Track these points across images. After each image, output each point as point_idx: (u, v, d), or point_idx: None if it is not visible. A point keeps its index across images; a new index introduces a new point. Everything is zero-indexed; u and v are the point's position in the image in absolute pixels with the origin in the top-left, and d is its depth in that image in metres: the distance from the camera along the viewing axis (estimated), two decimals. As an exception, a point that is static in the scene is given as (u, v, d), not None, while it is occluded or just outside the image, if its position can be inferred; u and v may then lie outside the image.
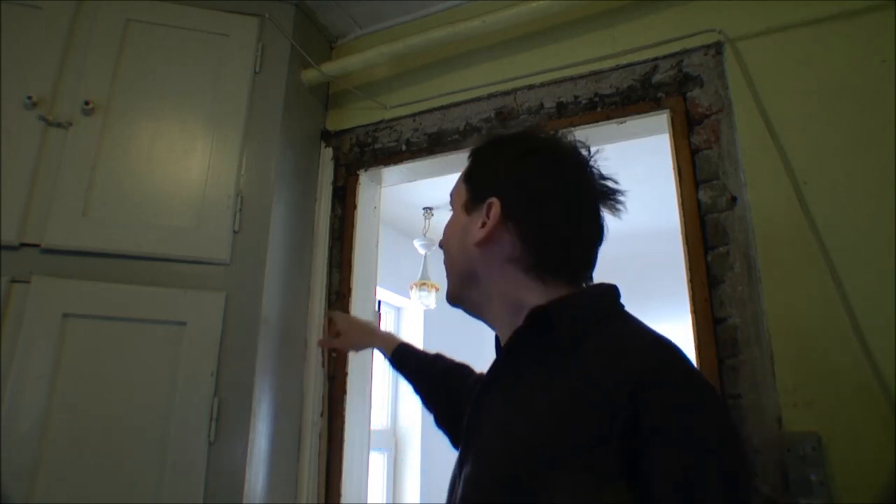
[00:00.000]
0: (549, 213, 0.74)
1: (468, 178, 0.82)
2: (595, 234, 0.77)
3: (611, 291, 0.74)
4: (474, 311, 0.81)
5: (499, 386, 0.72)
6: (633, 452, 0.54)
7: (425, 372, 1.18)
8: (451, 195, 0.85)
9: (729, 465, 0.56)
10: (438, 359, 1.19)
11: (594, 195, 0.77)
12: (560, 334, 0.68)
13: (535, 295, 0.72)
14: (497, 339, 0.80)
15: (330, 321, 1.55)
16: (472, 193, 0.80)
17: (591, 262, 0.77)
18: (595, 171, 0.78)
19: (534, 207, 0.75)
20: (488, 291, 0.77)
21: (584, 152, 0.78)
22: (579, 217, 0.76)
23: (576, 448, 0.58)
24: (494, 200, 0.75)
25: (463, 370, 1.14)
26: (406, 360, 1.23)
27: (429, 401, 1.16)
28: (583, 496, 0.55)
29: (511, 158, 0.79)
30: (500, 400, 0.70)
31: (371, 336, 1.37)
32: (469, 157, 0.85)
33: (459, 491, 0.67)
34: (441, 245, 0.85)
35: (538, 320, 0.69)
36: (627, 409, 0.56)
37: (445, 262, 0.84)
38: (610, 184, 0.78)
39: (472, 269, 0.77)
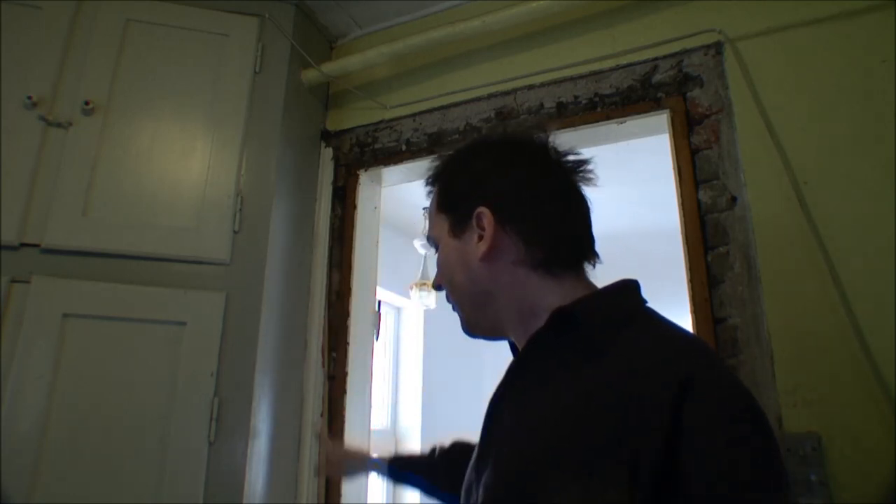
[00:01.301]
0: (543, 203, 0.73)
1: (443, 206, 0.80)
2: (587, 211, 0.77)
3: (632, 287, 0.72)
4: (493, 332, 0.78)
5: (514, 389, 0.70)
6: (672, 459, 0.53)
7: (424, 464, 1.11)
8: (429, 233, 0.83)
9: (773, 472, 0.56)
10: (433, 450, 1.12)
11: (568, 173, 0.77)
12: (587, 336, 0.66)
13: (549, 294, 0.71)
14: (512, 344, 0.77)
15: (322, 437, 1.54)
16: (453, 217, 0.77)
17: (593, 242, 0.76)
18: (559, 149, 0.77)
19: (526, 202, 0.74)
20: (503, 303, 0.74)
21: (541, 136, 0.78)
22: (569, 198, 0.75)
23: (592, 451, 0.57)
24: (483, 210, 0.73)
25: (456, 447, 1.08)
26: (404, 466, 1.16)
27: (439, 488, 1.08)
28: (591, 499, 0.55)
29: (481, 166, 0.77)
30: (516, 404, 0.69)
31: (362, 463, 1.27)
32: (430, 184, 0.83)
33: (479, 497, 0.66)
34: (437, 285, 0.82)
35: (562, 322, 0.66)
36: (669, 417, 0.55)
37: (452, 296, 0.80)
38: (573, 157, 0.77)
39: (482, 287, 0.75)
